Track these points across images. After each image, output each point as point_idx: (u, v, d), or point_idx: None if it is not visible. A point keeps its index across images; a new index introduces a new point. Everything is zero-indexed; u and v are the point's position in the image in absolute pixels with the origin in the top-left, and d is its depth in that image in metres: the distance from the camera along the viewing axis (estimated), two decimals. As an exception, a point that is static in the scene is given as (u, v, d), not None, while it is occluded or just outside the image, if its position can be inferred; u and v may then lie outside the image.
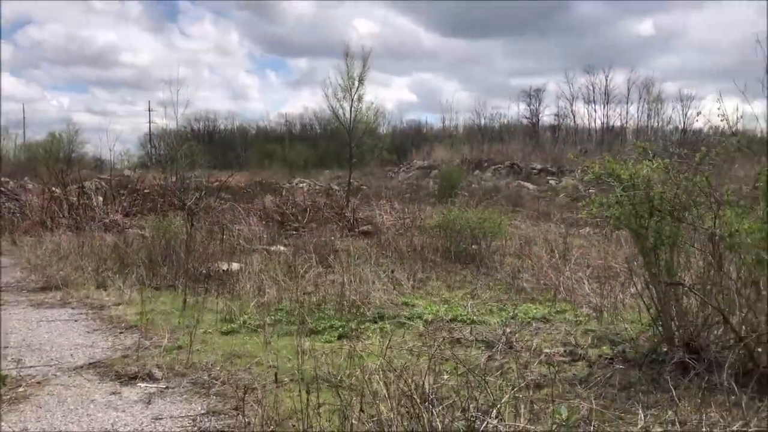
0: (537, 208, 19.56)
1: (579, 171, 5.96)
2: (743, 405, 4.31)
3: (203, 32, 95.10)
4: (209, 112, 66.10)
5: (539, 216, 17.64)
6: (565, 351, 6.12)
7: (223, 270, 10.01)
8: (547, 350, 6.13)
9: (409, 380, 4.22)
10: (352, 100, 21.65)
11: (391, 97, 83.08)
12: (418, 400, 3.68)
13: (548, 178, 33.20)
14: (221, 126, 59.00)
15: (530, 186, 31.14)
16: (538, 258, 10.40)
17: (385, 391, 4.06)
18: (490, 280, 9.91)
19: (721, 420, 4.19)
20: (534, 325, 7.19)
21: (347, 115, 21.80)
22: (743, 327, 5.11)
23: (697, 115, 42.53)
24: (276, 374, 4.99)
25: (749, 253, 5.12)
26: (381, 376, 4.41)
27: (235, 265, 10.31)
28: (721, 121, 5.80)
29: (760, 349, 5.06)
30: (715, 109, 6.77)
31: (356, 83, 21.50)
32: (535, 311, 7.69)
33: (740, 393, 4.41)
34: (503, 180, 33.40)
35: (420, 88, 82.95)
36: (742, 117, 7.56)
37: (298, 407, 4.23)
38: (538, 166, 35.33)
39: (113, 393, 5.18)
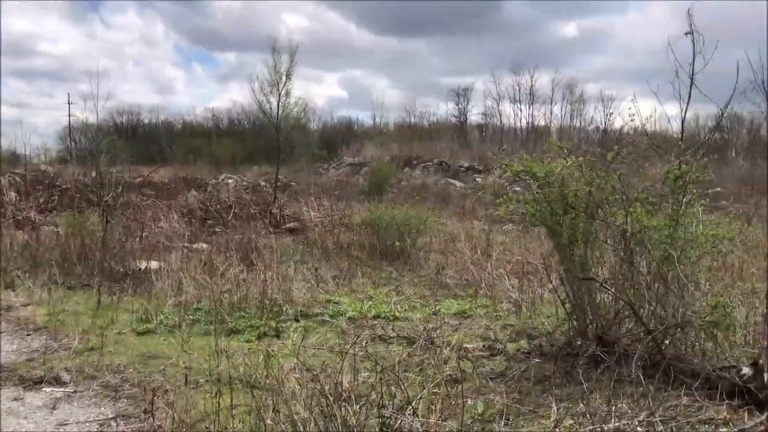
0: (463, 206, 19.83)
1: (497, 169, 6.03)
2: (650, 396, 4.47)
3: (127, 23, 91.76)
4: (133, 105, 64.09)
5: (465, 213, 17.88)
6: (484, 346, 6.20)
7: (141, 269, 9.68)
8: (467, 345, 6.20)
9: (326, 379, 4.18)
10: (280, 95, 21.35)
11: (322, 94, 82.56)
12: (332, 399, 3.62)
13: (475, 176, 33.74)
14: (145, 120, 57.22)
15: (458, 184, 31.57)
16: (462, 254, 10.53)
17: (300, 390, 4.00)
18: (415, 276, 9.97)
19: (630, 411, 4.32)
20: (456, 320, 7.27)
21: (275, 110, 21.48)
22: (652, 320, 5.30)
23: (609, 116, 44.09)
24: (186, 376, 4.83)
25: (657, 249, 5.30)
26: (297, 375, 4.35)
27: (153, 264, 9.98)
28: (632, 121, 5.99)
29: (667, 341, 5.26)
30: (634, 110, 6.97)
31: (284, 78, 21.22)
32: (457, 307, 7.77)
33: (647, 384, 4.56)
34: (432, 177, 33.72)
35: (351, 84, 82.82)
36: (657, 118, 7.86)
37: (212, 409, 4.11)
38: (466, 164, 35.86)
39: (15, 399, 4.91)
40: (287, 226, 14.38)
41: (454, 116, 51.65)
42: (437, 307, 7.74)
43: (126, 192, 17.26)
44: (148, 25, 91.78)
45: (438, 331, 6.65)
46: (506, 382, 5.08)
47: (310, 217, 15.12)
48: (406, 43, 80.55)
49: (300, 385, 4.07)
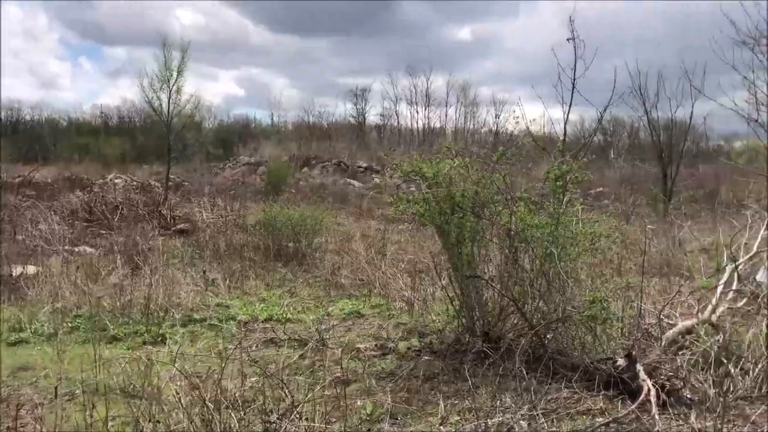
0: (360, 206, 19.89)
1: (388, 169, 6.06)
2: (532, 389, 4.61)
3: (6, 13, 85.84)
4: (13, 101, 59.87)
5: (362, 213, 17.94)
6: (376, 345, 6.21)
7: (16, 274, 9.04)
8: (359, 345, 6.19)
9: (211, 386, 4.03)
10: (170, 91, 20.59)
11: (219, 91, 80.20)
12: (212, 407, 3.49)
13: (373, 176, 33.97)
14: (27, 116, 53.67)
15: (356, 184, 31.67)
16: (357, 254, 10.53)
17: (180, 398, 3.83)
18: (310, 277, 9.86)
19: (513, 405, 4.45)
20: (349, 320, 7.25)
21: (165, 107, 20.70)
22: (536, 316, 5.48)
23: (497, 118, 45.61)
24: (57, 388, 4.53)
25: (540, 247, 5.48)
26: (179, 383, 4.16)
27: (30, 269, 9.35)
28: (516, 123, 6.16)
29: (550, 336, 5.45)
30: (526, 113, 7.20)
31: (174, 74, 20.48)
32: (351, 307, 7.75)
33: (530, 378, 4.70)
34: (330, 177, 33.64)
35: (248, 83, 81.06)
36: (545, 121, 8.15)
37: (86, 422, 3.87)
38: (364, 165, 36.03)
39: None
40: (177, 227, 13.87)
41: (353, 117, 51.81)
42: (331, 308, 7.69)
43: (2, 192, 16.13)
44: (29, 16, 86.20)
45: (330, 332, 6.60)
46: (396, 381, 5.10)
47: (203, 217, 14.65)
48: (305, 42, 79.94)
49: (180, 393, 3.89)
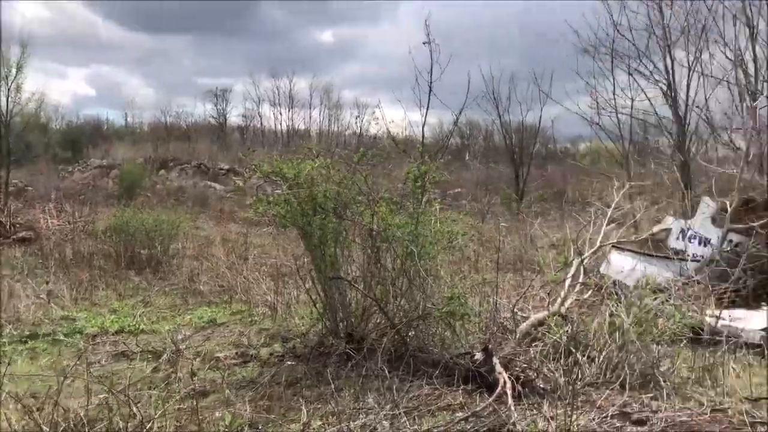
0: (222, 209, 19.31)
1: (246, 170, 5.92)
2: (394, 388, 4.63)
3: None
4: None
5: (223, 216, 17.41)
6: (237, 353, 5.99)
7: None
8: (218, 354, 5.94)
9: (51, 407, 3.68)
10: (9, 89, 18.94)
11: (67, 90, 74.82)
12: (48, 429, 3.18)
13: (235, 178, 33.13)
14: None
15: (217, 186, 30.73)
16: (218, 259, 10.17)
17: (11, 424, 3.45)
18: (166, 285, 9.39)
19: (376, 405, 4.43)
20: (209, 329, 6.96)
21: (2, 106, 19.00)
22: (398, 314, 5.52)
23: (356, 119, 46.15)
24: None
25: (401, 246, 5.53)
26: (11, 407, 3.77)
27: None
28: (377, 125, 6.18)
29: (412, 333, 5.52)
30: (388, 116, 7.27)
31: (13, 71, 18.86)
32: (210, 314, 7.46)
33: (392, 377, 4.71)
34: (190, 180, 32.42)
35: (99, 81, 76.21)
36: (406, 124, 8.25)
37: None
38: (226, 167, 35.03)
39: None
40: (18, 235, 12.74)
41: (213, 117, 50.27)
42: (188, 317, 7.35)
43: None
44: None
45: (187, 342, 6.30)
46: (257, 389, 4.94)
47: (48, 224, 13.57)
48: (159, 40, 76.39)
49: (12, 418, 3.51)
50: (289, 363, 5.59)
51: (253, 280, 8.62)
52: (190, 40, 73.93)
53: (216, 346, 6.24)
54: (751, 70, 13.91)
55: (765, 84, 13.25)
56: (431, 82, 7.35)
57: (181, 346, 6.00)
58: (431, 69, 7.06)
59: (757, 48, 13.86)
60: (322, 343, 5.77)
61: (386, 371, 4.69)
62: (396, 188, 6.29)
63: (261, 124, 50.00)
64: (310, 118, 48.28)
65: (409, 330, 5.46)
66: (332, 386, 4.57)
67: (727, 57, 14.34)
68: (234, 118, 51.34)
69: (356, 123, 43.10)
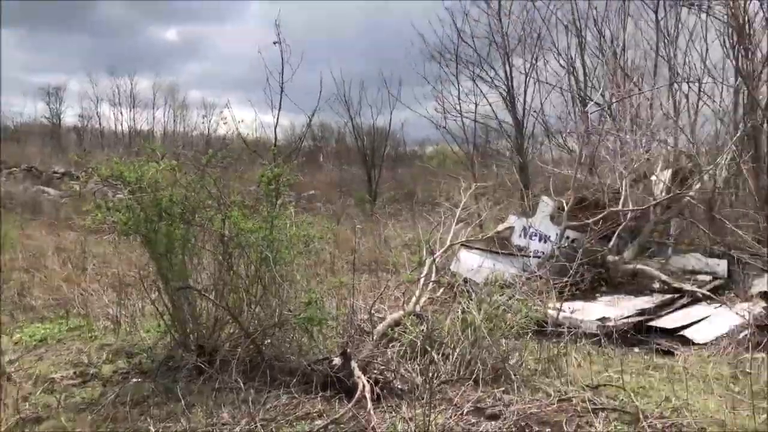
0: (57, 216, 17.84)
1: (82, 173, 5.43)
2: (250, 400, 4.44)
3: None
4: None
5: (58, 224, 16.06)
6: (75, 372, 5.50)
7: None
8: (54, 375, 5.42)
9: None
10: None
11: None
12: None
13: (72, 182, 30.85)
14: None
15: (52, 191, 28.42)
16: (52, 271, 9.34)
17: None
18: (-9, 301, 8.46)
19: (231, 420, 4.23)
20: (41, 347, 6.34)
21: None
22: (253, 323, 5.32)
23: (204, 119, 44.75)
24: None
25: (255, 252, 5.34)
26: None
27: None
28: (225, 125, 5.96)
29: (268, 342, 5.34)
30: (238, 117, 6.98)
31: None
32: (44, 332, 6.80)
33: (248, 389, 4.53)
34: (20, 185, 29.74)
35: None
36: (258, 125, 8.03)
37: None
38: (61, 170, 32.50)
39: None
40: None
41: (46, 117, 46.49)
42: (18, 335, 6.66)
43: None
44: None
45: (17, 363, 5.69)
46: (98, 410, 4.54)
47: None
48: (-18, 33, 69.53)
49: None
50: (134, 380, 5.21)
51: (93, 292, 7.99)
52: (15, 34, 67.82)
53: (51, 366, 5.68)
54: (582, 77, 15.10)
55: (594, 90, 14.39)
56: (282, 83, 7.20)
57: (9, 369, 5.40)
58: (282, 69, 6.92)
59: (586, 57, 15.06)
60: (171, 357, 5.43)
61: (241, 383, 4.50)
62: (249, 191, 6.08)
63: (100, 124, 47.03)
64: (154, 118, 46.12)
65: (265, 338, 5.28)
66: (183, 403, 4.31)
67: (560, 65, 15.47)
68: (70, 118, 47.85)
69: (203, 123, 41.68)
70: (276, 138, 6.87)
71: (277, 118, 6.57)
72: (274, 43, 6.88)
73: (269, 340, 5.34)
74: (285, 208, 5.83)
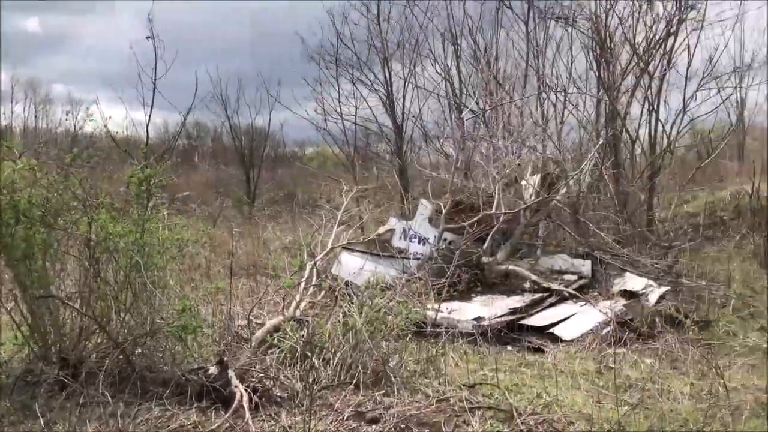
0: None
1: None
2: (119, 414, 4.19)
3: None
4: None
5: None
6: None
7: None
8: None
9: None
10: None
11: None
12: None
13: None
14: None
15: None
16: None
17: None
18: None
19: (99, 437, 3.97)
20: None
21: None
22: (122, 332, 5.03)
23: (67, 115, 42.20)
24: None
25: (125, 257, 5.06)
26: None
27: None
28: (92, 122, 5.62)
29: (138, 351, 5.06)
30: (107, 114, 6.57)
31: None
32: None
33: (116, 402, 4.27)
34: None
35: None
36: (129, 123, 7.61)
37: None
38: None
39: None
40: None
41: None
42: None
43: None
44: None
45: None
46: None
47: None
48: None
49: None
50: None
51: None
52: None
53: None
54: (458, 84, 15.57)
55: (469, 98, 14.87)
56: (155, 80, 6.88)
57: None
58: (155, 66, 6.61)
59: (462, 65, 15.55)
60: (29, 371, 5.03)
61: (109, 396, 4.24)
62: (118, 192, 5.75)
63: (-52, 118, 43.04)
64: (12, 113, 42.78)
65: (136, 348, 5.00)
66: (41, 420, 3.99)
67: (437, 71, 15.88)
68: None
69: (68, 120, 39.15)
70: (148, 136, 6.54)
71: (149, 116, 6.25)
72: (147, 38, 6.56)
73: (140, 350, 5.07)
74: (157, 211, 5.57)
